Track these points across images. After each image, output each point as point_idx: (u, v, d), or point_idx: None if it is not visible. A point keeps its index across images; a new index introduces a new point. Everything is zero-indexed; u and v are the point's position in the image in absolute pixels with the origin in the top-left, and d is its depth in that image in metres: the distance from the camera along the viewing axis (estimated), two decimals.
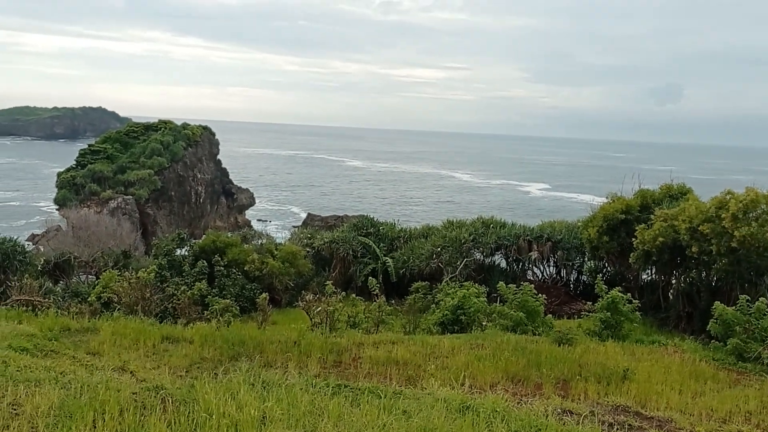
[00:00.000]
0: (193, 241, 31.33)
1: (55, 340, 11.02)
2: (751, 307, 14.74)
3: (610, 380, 10.34)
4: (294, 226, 73.07)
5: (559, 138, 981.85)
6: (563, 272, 30.06)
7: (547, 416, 6.52)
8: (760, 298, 14.85)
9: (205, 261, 25.74)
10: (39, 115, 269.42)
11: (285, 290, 27.42)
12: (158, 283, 21.89)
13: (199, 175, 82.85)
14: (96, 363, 9.43)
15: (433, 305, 18.95)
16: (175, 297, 19.96)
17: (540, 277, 29.96)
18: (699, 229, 20.06)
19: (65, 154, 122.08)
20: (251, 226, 78.54)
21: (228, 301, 18.78)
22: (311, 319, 16.35)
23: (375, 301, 17.58)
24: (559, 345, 13.03)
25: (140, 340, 11.87)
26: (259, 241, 32.66)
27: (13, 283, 20.54)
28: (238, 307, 18.88)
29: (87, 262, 28.56)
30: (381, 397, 6.31)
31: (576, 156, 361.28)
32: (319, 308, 16.03)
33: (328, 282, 19.41)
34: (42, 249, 38.36)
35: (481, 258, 29.77)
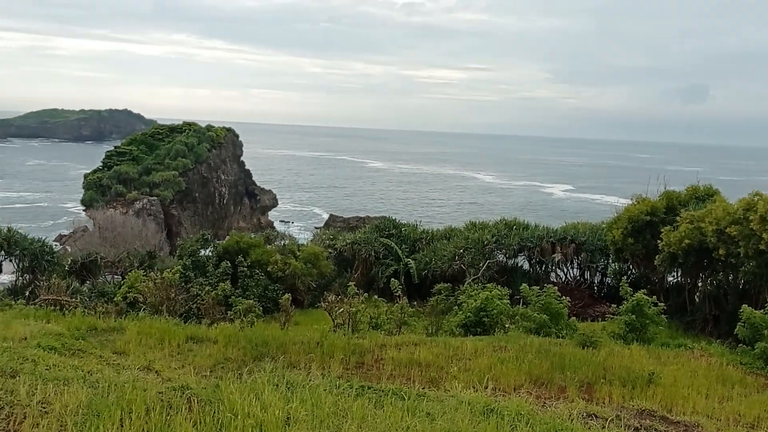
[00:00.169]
0: (217, 241, 31.60)
1: (83, 340, 11.15)
2: None
3: (635, 384, 10.22)
4: (316, 227, 73.48)
5: (583, 138, 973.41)
6: (587, 274, 29.80)
7: (572, 420, 6.47)
8: None
9: (228, 262, 25.95)
10: (66, 118, 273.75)
11: (307, 291, 27.53)
12: (183, 284, 22.14)
13: (222, 177, 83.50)
14: (122, 362, 9.54)
15: (456, 307, 18.88)
16: (199, 297, 20.15)
17: (563, 279, 29.72)
18: (726, 231, 19.76)
19: (92, 156, 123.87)
20: (274, 227, 78.99)
21: (251, 301, 18.92)
22: (333, 320, 16.37)
23: (397, 302, 17.56)
24: (583, 348, 12.91)
25: (165, 340, 11.96)
26: (282, 242, 32.84)
27: (41, 282, 20.92)
28: (261, 308, 18.99)
29: (113, 262, 28.95)
30: (404, 399, 6.31)
31: (600, 157, 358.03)
32: (342, 309, 16.05)
33: (350, 283, 19.45)
34: (69, 249, 38.97)
35: (504, 260, 29.62)
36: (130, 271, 24.86)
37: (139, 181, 70.81)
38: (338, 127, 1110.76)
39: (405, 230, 33.73)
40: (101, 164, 75.54)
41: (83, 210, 68.89)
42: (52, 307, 16.27)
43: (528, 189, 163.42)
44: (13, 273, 26.75)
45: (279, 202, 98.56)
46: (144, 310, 17.47)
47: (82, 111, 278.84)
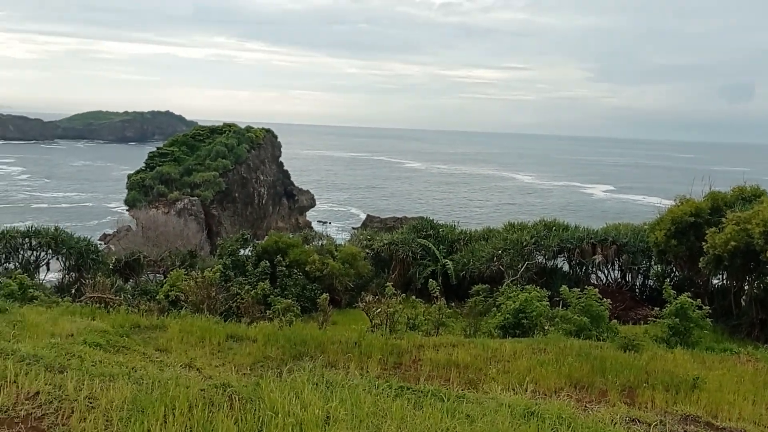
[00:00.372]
0: (256, 241, 31.95)
1: (126, 337, 11.38)
2: None
3: (679, 389, 9.99)
4: (354, 228, 73.80)
5: (624, 138, 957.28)
6: (628, 276, 29.25)
7: (614, 424, 6.36)
8: None
9: (267, 261, 26.21)
10: (110, 119, 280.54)
11: (345, 291, 27.63)
12: (223, 283, 22.43)
13: (261, 177, 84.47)
14: (165, 359, 9.72)
15: (494, 308, 18.73)
16: (238, 296, 20.38)
17: (604, 281, 29.23)
18: None
19: (135, 157, 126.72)
20: (312, 227, 79.66)
21: (290, 300, 19.08)
22: (371, 321, 16.41)
23: (435, 303, 17.52)
24: (625, 351, 12.68)
25: (206, 338, 12.14)
26: (320, 242, 33.05)
27: (86, 280, 21.45)
28: (299, 307, 19.13)
29: (155, 261, 29.50)
30: (444, 401, 6.27)
31: (641, 157, 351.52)
32: (379, 309, 16.08)
33: (387, 283, 19.46)
34: (113, 248, 39.85)
35: (543, 261, 29.26)
36: (171, 270, 25.30)
37: (181, 181, 72.11)
38: (375, 127, 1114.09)
39: (443, 231, 33.59)
40: (144, 165, 77.21)
41: (126, 210, 70.48)
42: (97, 305, 16.65)
43: (567, 189, 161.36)
44: (60, 271, 27.52)
45: (317, 203, 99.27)
46: (185, 308, 17.75)
47: (126, 113, 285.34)
